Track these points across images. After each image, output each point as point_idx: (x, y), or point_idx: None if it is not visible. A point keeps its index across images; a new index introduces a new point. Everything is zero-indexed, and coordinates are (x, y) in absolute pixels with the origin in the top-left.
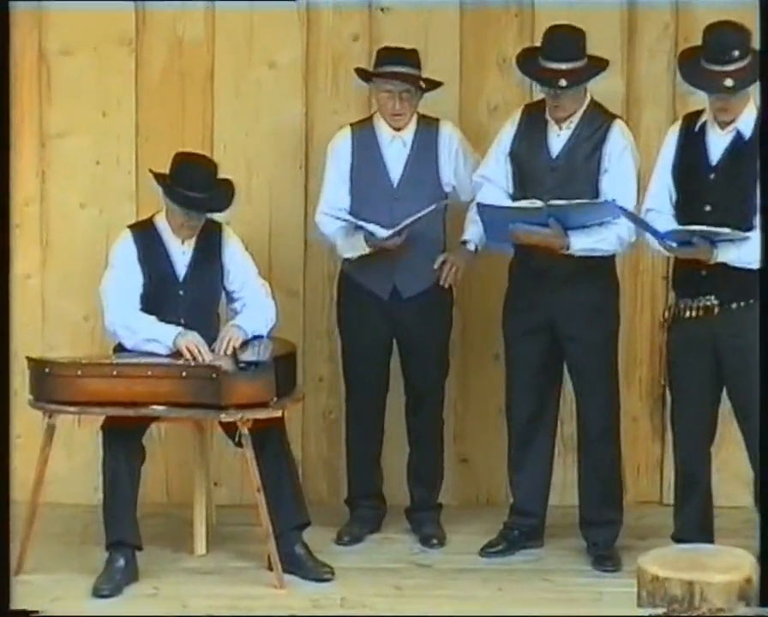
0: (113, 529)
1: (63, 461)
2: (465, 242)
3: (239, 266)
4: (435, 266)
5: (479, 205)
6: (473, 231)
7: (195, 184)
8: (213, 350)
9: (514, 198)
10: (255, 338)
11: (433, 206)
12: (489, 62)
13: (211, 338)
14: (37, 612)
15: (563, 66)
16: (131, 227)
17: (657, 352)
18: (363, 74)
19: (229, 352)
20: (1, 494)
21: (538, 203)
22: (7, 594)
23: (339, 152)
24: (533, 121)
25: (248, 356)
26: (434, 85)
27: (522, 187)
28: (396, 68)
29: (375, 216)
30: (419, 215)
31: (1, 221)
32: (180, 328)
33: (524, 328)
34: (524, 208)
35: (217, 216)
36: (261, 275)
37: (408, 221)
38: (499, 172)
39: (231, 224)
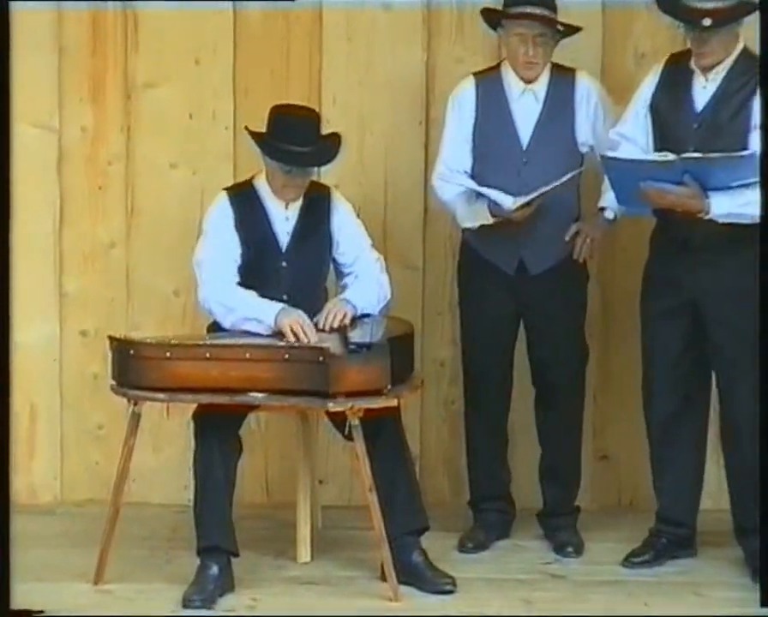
0: (206, 532)
1: (150, 455)
2: (602, 209)
3: (350, 236)
4: (567, 238)
5: (603, 157)
6: (611, 197)
7: (295, 137)
8: (317, 327)
9: None
10: (367, 316)
11: (570, 175)
12: (636, 2)
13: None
14: (41, 612)
15: (708, 4)
16: (227, 190)
17: None
18: (490, 15)
19: (335, 325)
20: (1, 494)
21: (671, 156)
22: (7, 594)
23: (461, 105)
24: (677, 71)
25: (359, 336)
26: (572, 30)
27: (663, 145)
28: (529, 8)
29: (500, 180)
30: (554, 185)
31: (1, 215)
32: (283, 305)
33: (660, 309)
34: (654, 162)
35: (325, 178)
36: (374, 246)
37: (540, 191)
38: (638, 129)
39: (340, 187)
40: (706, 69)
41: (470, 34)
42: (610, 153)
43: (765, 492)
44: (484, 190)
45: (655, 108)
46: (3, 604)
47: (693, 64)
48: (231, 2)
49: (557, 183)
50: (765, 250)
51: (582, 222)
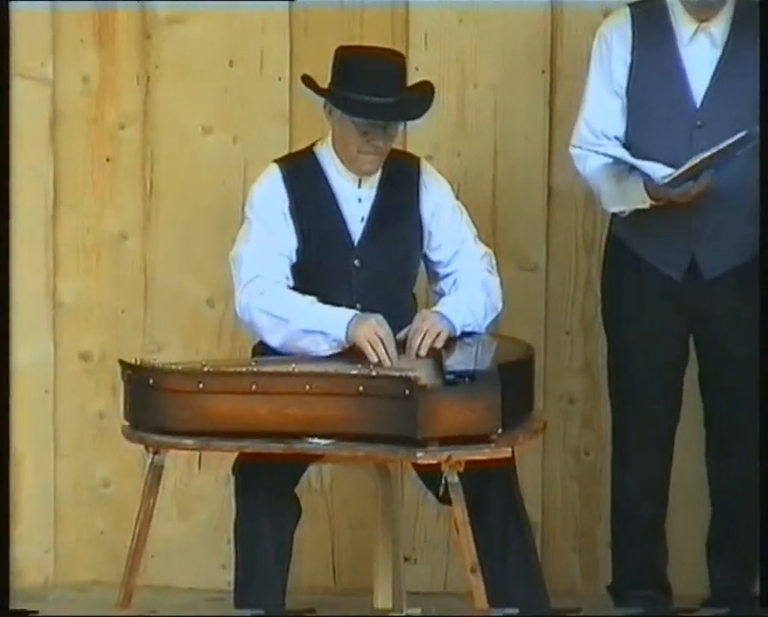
0: None
1: (175, 522)
2: None
3: (447, 225)
4: None
5: None
6: None
7: (372, 85)
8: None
9: None
10: (470, 335)
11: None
12: None
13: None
14: (36, 612)
15: None
16: (279, 161)
17: None
18: None
19: (424, 352)
20: (1, 492)
21: None
22: (7, 594)
23: (612, 46)
24: None
25: (459, 362)
26: None
27: None
28: None
29: (665, 150)
30: (724, 145)
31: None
32: (356, 311)
33: None
34: None
35: (413, 146)
36: (480, 238)
37: (702, 156)
38: None
39: (434, 158)
40: None
41: None
42: None
43: (764, 492)
44: (634, 161)
45: None
46: (2, 604)
47: None
48: None
49: (729, 143)
50: (765, 256)
51: None
